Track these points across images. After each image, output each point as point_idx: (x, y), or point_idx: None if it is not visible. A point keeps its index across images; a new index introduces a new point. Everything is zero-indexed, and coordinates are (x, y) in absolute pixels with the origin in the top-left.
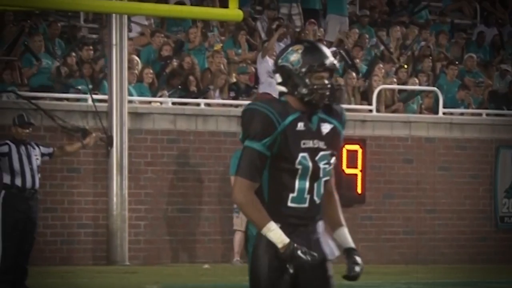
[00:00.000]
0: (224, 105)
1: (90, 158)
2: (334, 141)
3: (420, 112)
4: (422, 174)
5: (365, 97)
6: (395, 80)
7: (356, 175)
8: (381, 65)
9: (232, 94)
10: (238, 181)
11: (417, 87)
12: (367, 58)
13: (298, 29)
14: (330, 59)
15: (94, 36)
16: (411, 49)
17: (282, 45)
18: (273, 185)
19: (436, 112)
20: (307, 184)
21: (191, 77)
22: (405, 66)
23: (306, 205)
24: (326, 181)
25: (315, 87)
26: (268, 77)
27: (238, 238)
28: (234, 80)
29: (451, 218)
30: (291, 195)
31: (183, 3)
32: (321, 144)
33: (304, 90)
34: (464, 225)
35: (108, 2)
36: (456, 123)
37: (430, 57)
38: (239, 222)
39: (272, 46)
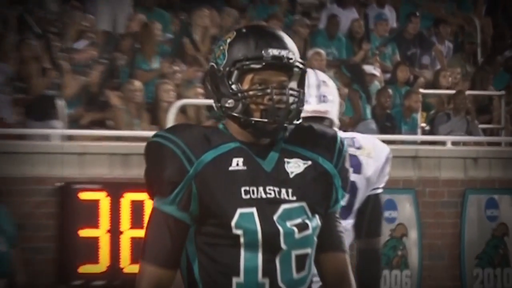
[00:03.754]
0: None
1: None
2: (314, 188)
3: None
4: None
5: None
6: (200, 90)
7: None
8: (179, 67)
9: None
10: (143, 269)
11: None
12: (158, 57)
13: (53, 16)
14: (277, 50)
15: None
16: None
17: None
18: (206, 267)
19: None
20: (260, 260)
21: None
22: None
23: None
24: (305, 256)
25: (244, 94)
26: None
27: None
28: None
29: None
30: (235, 281)
31: None
32: (285, 193)
33: (229, 102)
34: None
35: None
36: None
37: None
38: None
39: None
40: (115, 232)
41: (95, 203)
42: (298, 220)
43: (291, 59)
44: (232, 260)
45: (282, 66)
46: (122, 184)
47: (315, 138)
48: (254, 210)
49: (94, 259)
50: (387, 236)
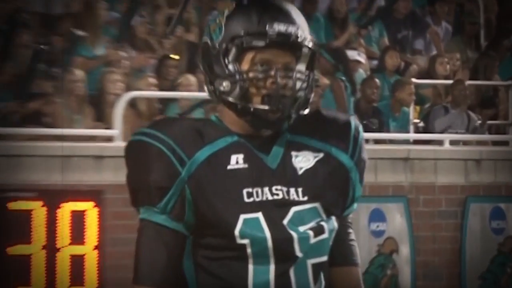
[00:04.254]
0: None
1: None
2: (328, 186)
3: None
4: None
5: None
6: (152, 80)
7: None
8: (128, 53)
9: None
10: None
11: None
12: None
13: None
14: (283, 25)
15: None
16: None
17: None
18: (207, 286)
19: None
20: (272, 274)
21: None
22: (174, 56)
23: None
24: (321, 265)
25: (242, 76)
26: None
27: None
28: None
29: None
30: None
31: None
32: (294, 193)
33: (224, 85)
34: None
35: None
36: None
37: None
38: None
39: None
40: (51, 249)
41: (28, 214)
42: (312, 224)
43: (300, 37)
44: (238, 275)
45: (289, 45)
46: (60, 191)
47: (326, 125)
48: (260, 215)
49: (26, 281)
50: (374, 253)
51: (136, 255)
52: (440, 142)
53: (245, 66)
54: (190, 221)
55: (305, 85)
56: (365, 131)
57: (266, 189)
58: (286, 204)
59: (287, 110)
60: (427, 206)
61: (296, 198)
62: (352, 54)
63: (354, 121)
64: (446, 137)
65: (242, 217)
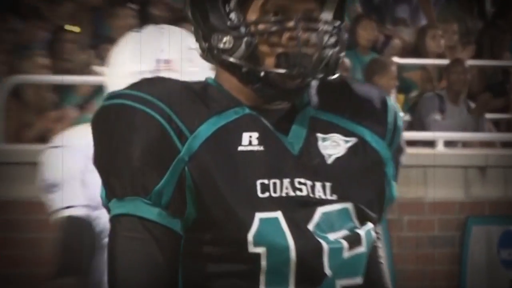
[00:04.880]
0: None
1: None
2: (363, 182)
3: None
4: None
5: None
6: (43, 61)
7: None
8: (11, 24)
9: None
10: None
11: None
12: None
13: None
14: None
15: None
16: None
17: None
18: None
19: None
20: None
21: None
22: (73, 28)
23: None
24: None
25: (249, 29)
26: None
27: None
28: None
29: None
30: None
31: None
32: (320, 189)
33: (224, 41)
34: None
35: None
36: None
37: None
38: None
39: None
40: None
41: None
42: (343, 231)
43: None
44: None
45: None
46: None
47: (357, 101)
48: (279, 215)
49: None
50: None
51: (110, 266)
52: (431, 143)
53: (252, 15)
54: (191, 217)
55: (333, 40)
56: None
57: (286, 182)
58: (311, 203)
59: (311, 75)
60: (414, 230)
61: (323, 196)
62: None
63: (390, 99)
64: (440, 136)
65: (258, 216)
